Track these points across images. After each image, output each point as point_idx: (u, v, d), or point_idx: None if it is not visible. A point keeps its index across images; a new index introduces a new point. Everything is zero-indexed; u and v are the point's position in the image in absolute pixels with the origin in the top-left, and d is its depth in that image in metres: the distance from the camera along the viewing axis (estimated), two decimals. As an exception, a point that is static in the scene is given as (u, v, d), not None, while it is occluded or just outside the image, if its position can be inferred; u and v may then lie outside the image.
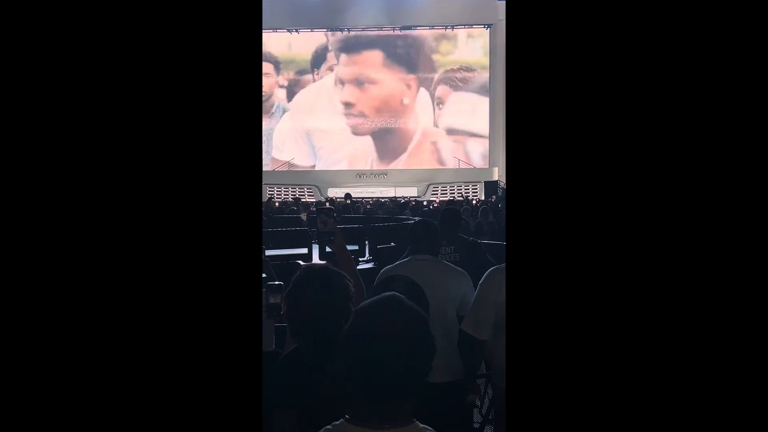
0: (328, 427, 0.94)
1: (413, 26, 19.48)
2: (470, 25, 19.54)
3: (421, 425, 0.93)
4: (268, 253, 3.29)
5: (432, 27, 19.48)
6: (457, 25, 19.43)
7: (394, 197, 15.11)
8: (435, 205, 11.13)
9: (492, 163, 19.49)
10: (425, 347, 0.93)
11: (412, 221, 6.13)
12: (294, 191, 17.33)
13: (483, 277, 2.17)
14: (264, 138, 19.16)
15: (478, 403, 2.34)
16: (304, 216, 7.77)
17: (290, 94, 19.52)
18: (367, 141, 19.62)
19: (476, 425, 2.74)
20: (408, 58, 19.53)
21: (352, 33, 19.33)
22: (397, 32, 19.37)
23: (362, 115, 19.33)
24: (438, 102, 19.58)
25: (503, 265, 2.17)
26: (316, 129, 19.44)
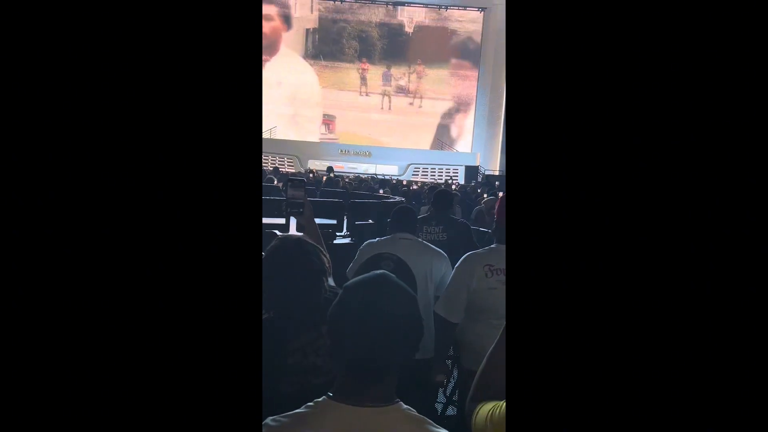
0: (310, 403, 0.92)
1: (406, 2, 19.22)
2: (464, 7, 19.36)
3: (405, 405, 0.92)
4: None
5: (425, 5, 19.24)
6: (450, 6, 19.23)
7: (375, 174, 15.05)
8: (415, 187, 11.12)
9: (474, 148, 19.52)
10: (414, 327, 0.92)
11: (392, 200, 6.13)
12: (274, 160, 17.13)
13: (459, 261, 2.19)
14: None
15: (444, 383, 2.37)
16: (280, 186, 7.68)
17: (277, 62, 19.23)
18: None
19: (439, 405, 2.78)
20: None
21: (345, 3, 19.02)
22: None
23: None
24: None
25: (480, 250, 2.18)
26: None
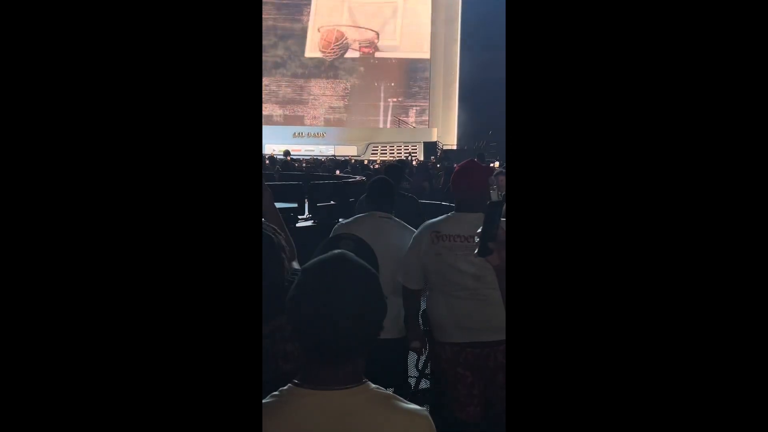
0: (276, 392, 0.90)
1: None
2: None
3: (373, 385, 0.91)
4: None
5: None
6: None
7: (333, 156, 14.94)
8: (376, 166, 11.10)
9: (431, 123, 19.58)
10: (376, 305, 0.90)
11: (353, 179, 6.07)
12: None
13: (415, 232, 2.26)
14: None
15: (421, 350, 2.41)
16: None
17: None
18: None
19: (412, 379, 2.80)
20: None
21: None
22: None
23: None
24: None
25: (434, 219, 2.23)
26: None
